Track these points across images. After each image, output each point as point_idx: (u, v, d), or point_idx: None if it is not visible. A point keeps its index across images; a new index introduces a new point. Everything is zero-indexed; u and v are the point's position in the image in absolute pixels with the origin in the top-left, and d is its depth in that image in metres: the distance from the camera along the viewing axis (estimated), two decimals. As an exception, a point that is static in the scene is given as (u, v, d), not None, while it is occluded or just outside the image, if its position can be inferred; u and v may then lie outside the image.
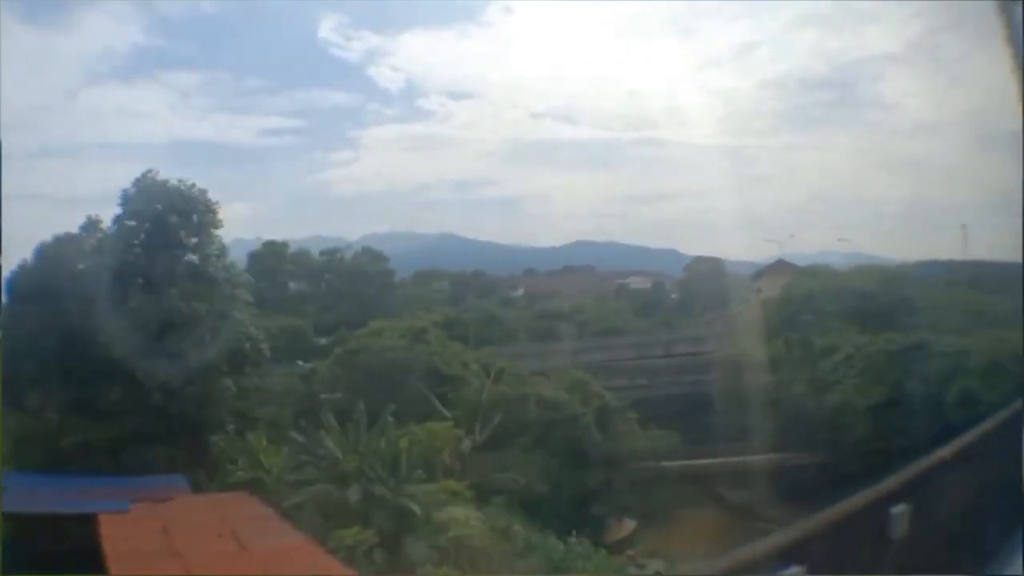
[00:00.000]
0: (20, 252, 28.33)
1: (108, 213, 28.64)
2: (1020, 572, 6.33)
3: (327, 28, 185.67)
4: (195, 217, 28.53)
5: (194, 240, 28.58)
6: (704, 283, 59.69)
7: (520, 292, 76.56)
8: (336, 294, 54.56)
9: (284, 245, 58.55)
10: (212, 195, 29.13)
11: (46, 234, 29.52)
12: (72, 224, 29.76)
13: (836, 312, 40.16)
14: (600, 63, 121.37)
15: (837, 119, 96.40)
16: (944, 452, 9.54)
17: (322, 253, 60.20)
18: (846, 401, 34.97)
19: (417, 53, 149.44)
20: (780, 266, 58.03)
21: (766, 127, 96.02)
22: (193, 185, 28.93)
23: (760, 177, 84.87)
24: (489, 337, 49.57)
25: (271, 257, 56.02)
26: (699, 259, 67.05)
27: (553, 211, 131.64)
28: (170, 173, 28.95)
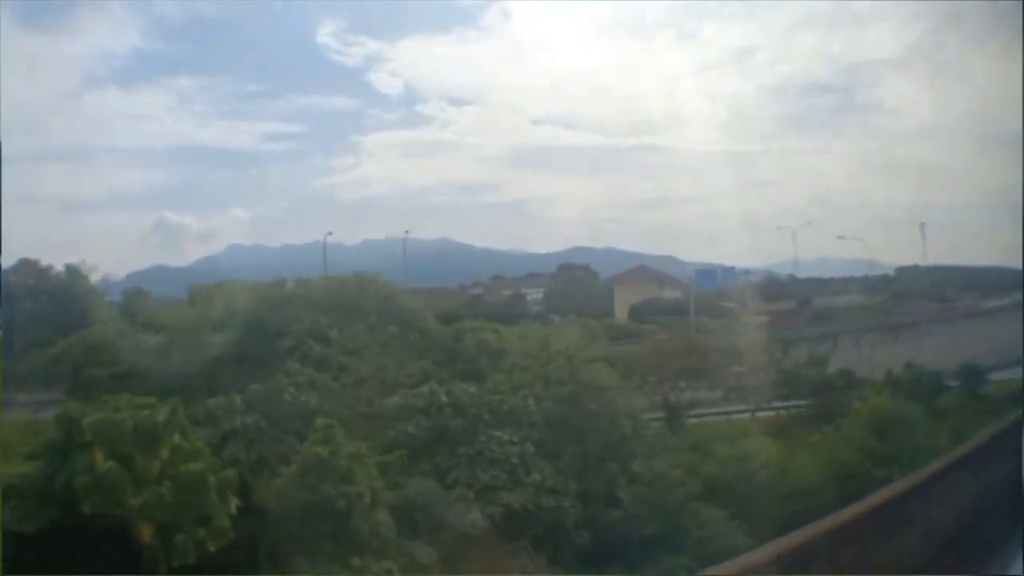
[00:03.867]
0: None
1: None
2: (1020, 572, 6.47)
3: (325, 33, 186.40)
4: None
5: None
6: (571, 289, 51.91)
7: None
8: (37, 316, 48.74)
9: (35, 263, 53.21)
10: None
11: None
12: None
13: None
14: (600, 68, 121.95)
15: (838, 123, 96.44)
16: (948, 455, 9.64)
17: (35, 273, 54.23)
18: None
19: (416, 58, 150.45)
20: (639, 273, 51.04)
21: (766, 131, 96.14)
22: None
23: (760, 182, 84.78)
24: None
25: (18, 275, 51.64)
26: (567, 265, 58.25)
27: (553, 216, 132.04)
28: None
